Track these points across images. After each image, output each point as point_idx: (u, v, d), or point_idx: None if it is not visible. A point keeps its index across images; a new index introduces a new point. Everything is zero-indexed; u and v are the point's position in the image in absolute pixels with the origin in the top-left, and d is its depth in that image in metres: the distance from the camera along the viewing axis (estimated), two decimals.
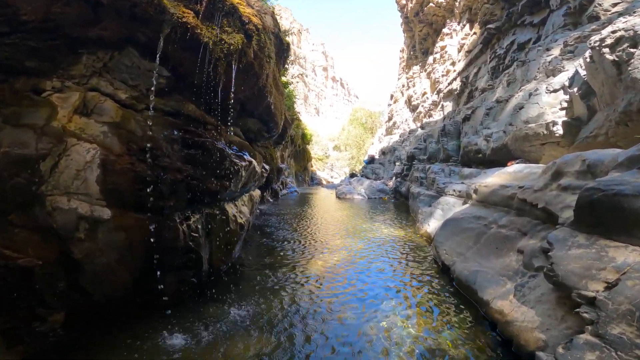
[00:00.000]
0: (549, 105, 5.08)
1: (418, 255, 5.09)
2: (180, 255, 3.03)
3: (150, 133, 2.74)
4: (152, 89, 2.78)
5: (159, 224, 2.78)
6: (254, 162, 4.50)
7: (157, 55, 2.69)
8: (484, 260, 3.33)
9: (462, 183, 6.02)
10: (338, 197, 15.83)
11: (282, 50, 5.86)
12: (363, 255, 5.23)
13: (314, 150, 49.39)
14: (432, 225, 5.97)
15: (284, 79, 12.80)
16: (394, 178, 15.67)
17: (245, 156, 4.18)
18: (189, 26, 2.79)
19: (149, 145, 2.71)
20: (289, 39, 6.36)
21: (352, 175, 23.43)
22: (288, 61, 9.02)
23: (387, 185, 16.43)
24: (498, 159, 5.79)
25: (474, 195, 4.75)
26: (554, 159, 3.26)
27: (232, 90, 3.45)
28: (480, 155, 6.21)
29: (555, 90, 5.04)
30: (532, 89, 5.38)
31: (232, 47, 3.20)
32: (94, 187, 2.48)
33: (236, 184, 3.98)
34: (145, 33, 2.70)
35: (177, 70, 3.06)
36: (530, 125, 5.22)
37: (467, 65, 14.16)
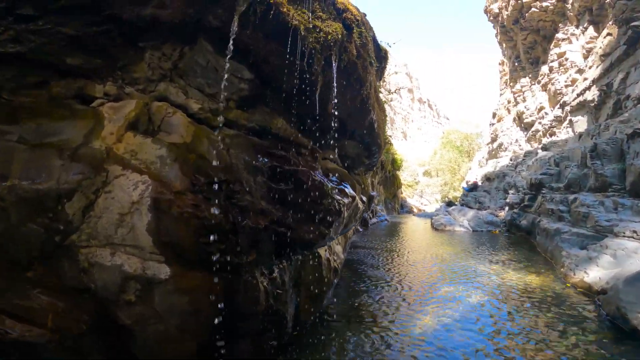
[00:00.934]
0: None
1: (579, 315, 3.54)
2: (259, 319, 2.35)
3: (228, 159, 2.08)
4: (234, 96, 2.24)
5: (233, 282, 2.13)
6: (357, 197, 3.68)
7: (230, 44, 2.02)
8: None
9: None
10: (435, 228, 14.00)
11: (380, 58, 5.14)
12: (489, 310, 3.86)
13: (403, 176, 47.19)
14: (593, 274, 4.29)
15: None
16: (506, 208, 13.15)
17: (347, 190, 3.40)
18: (271, 1, 2.10)
19: (223, 177, 2.01)
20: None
21: (450, 203, 21.00)
22: (386, 74, 8.27)
23: (496, 216, 13.92)
24: None
25: None
26: None
27: (334, 97, 2.75)
28: None
29: None
30: None
31: (330, 36, 2.51)
32: (145, 238, 1.86)
33: (337, 229, 3.15)
34: (216, 14, 2.03)
35: (261, 69, 2.41)
36: None
37: (606, 72, 11.51)
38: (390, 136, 18.30)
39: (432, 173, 51.32)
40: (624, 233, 4.28)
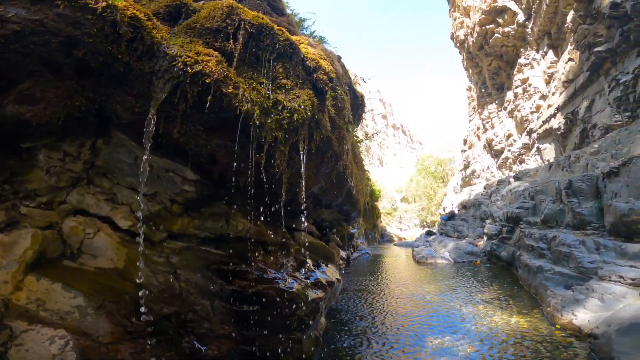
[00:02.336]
0: None
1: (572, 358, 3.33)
2: None
3: (177, 284, 1.65)
4: (178, 198, 1.82)
5: None
6: (334, 275, 3.31)
7: (147, 145, 1.52)
8: None
9: (633, 267, 4.11)
10: (417, 261, 13.76)
11: (357, 106, 4.95)
12: None
13: (382, 204, 47.42)
14: (582, 316, 4.19)
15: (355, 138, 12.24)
16: (484, 238, 13.20)
17: (323, 278, 3.03)
18: (208, 81, 1.62)
19: (169, 310, 1.60)
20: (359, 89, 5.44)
21: (429, 233, 20.99)
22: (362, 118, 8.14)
23: (476, 245, 13.92)
24: None
25: None
26: None
27: (304, 179, 2.27)
28: None
29: None
30: None
31: (296, 115, 2.00)
32: None
33: (313, 326, 2.74)
34: (124, 104, 1.55)
35: (208, 169, 1.94)
36: None
37: (571, 99, 11.73)
38: (367, 171, 18.32)
39: (410, 199, 52.08)
40: (610, 277, 4.22)
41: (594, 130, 9.71)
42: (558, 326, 4.44)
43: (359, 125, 7.79)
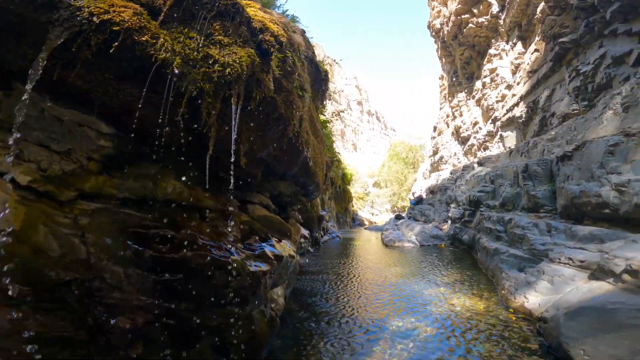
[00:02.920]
0: None
1: (525, 348, 3.47)
2: None
3: (84, 249, 1.48)
4: (95, 155, 1.62)
5: None
6: (287, 250, 3.18)
7: (29, 87, 1.37)
8: None
9: (582, 249, 4.28)
10: (385, 244, 14.08)
11: (320, 80, 4.75)
12: (439, 347, 3.64)
13: (354, 188, 48.01)
14: (533, 300, 4.32)
15: (322, 117, 11.99)
16: (449, 222, 13.67)
17: (269, 251, 2.88)
18: (116, 28, 1.48)
19: (71, 276, 1.42)
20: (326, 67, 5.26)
21: (398, 217, 21.51)
22: (327, 95, 7.94)
23: (441, 229, 14.42)
24: None
25: (626, 277, 3.09)
26: None
27: (233, 148, 2.06)
28: (607, 210, 4.50)
29: None
30: None
31: (229, 69, 1.89)
32: None
33: (255, 301, 2.61)
34: (18, 49, 1.40)
35: (123, 121, 1.78)
36: None
37: (533, 88, 12.15)
38: (338, 153, 18.18)
39: (382, 184, 53.04)
40: (560, 259, 4.38)
41: (552, 118, 10.11)
42: (512, 310, 4.58)
43: (325, 102, 7.63)
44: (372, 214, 45.18)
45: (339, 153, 17.34)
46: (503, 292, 5.22)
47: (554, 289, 4.07)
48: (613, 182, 4.35)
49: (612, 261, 3.31)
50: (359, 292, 6.12)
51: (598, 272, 3.51)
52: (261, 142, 2.49)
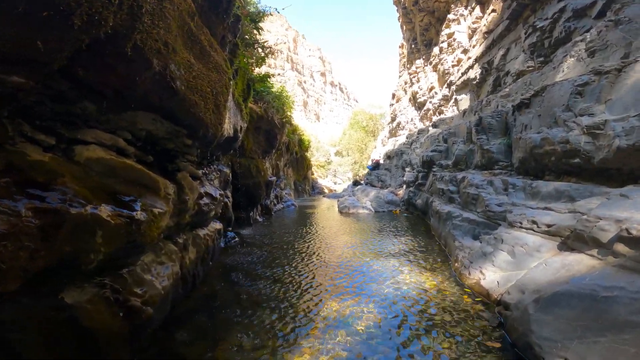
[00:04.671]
0: None
1: (481, 344, 2.63)
2: None
3: None
4: None
5: None
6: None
7: None
8: None
9: (548, 209, 3.51)
10: (340, 211, 13.42)
11: None
12: (379, 340, 2.81)
13: (315, 156, 47.24)
14: (490, 276, 3.58)
15: (259, 69, 10.43)
16: (404, 187, 13.20)
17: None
18: None
19: None
20: None
21: (356, 183, 21.00)
22: (248, 26, 6.32)
23: (396, 194, 13.96)
24: (624, 166, 3.23)
25: (622, 248, 2.27)
26: None
27: None
28: (576, 160, 3.70)
29: None
30: None
31: None
32: None
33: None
34: None
35: None
36: None
37: (488, 49, 11.57)
38: (292, 117, 16.81)
39: (343, 153, 52.85)
40: (521, 223, 3.63)
41: (507, 77, 9.61)
42: (467, 288, 3.89)
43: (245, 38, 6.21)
44: (335, 183, 44.98)
45: (291, 116, 15.92)
46: (456, 264, 4.52)
47: (515, 262, 3.33)
48: (584, 125, 3.56)
49: (595, 224, 2.51)
50: (299, 268, 5.28)
51: (573, 240, 2.75)
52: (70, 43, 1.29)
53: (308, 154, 31.82)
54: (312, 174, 37.59)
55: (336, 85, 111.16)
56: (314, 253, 6.31)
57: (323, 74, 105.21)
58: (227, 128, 4.23)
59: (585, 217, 2.70)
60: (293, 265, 5.50)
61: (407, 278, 4.53)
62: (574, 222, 2.91)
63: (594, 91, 3.66)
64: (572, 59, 5.01)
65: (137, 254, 2.82)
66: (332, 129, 78.82)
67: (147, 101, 2.65)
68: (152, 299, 2.85)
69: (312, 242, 7.47)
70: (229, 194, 8.47)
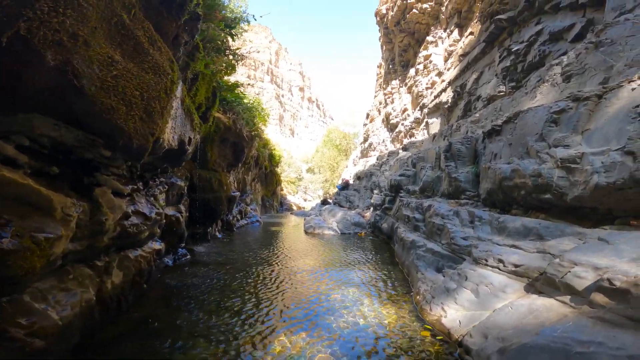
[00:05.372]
0: None
1: None
2: None
3: None
4: None
5: None
6: None
7: None
8: None
9: (515, 247, 3.21)
10: (305, 231, 12.92)
11: None
12: None
13: (287, 172, 46.70)
14: (452, 314, 3.21)
15: (231, 77, 9.91)
16: (371, 209, 12.95)
17: None
18: None
19: None
20: None
21: (324, 202, 20.62)
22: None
23: (363, 216, 13.67)
24: (600, 206, 2.96)
25: (600, 299, 1.94)
26: None
27: None
28: (548, 195, 3.42)
29: None
30: None
31: None
32: None
33: None
34: None
35: None
36: None
37: (462, 72, 11.71)
38: (262, 130, 16.30)
39: (315, 170, 52.75)
40: (487, 261, 3.30)
41: (477, 102, 9.65)
42: (428, 325, 3.50)
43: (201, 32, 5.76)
44: (305, 200, 44.43)
45: (261, 129, 15.39)
46: (418, 297, 4.13)
47: (479, 302, 2.96)
48: (559, 157, 3.30)
49: (570, 270, 2.21)
50: (250, 293, 4.75)
51: (543, 283, 2.44)
52: None
53: (278, 170, 31.23)
54: (282, 190, 36.84)
55: (313, 102, 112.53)
56: (270, 277, 5.73)
57: (302, 89, 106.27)
58: (169, 139, 3.65)
59: (557, 260, 2.39)
60: (244, 289, 4.93)
61: (366, 311, 4.12)
62: (544, 264, 2.62)
63: (571, 119, 3.45)
64: (547, 84, 4.91)
65: (11, 286, 2.18)
66: (306, 144, 79.00)
67: (42, 102, 2.08)
68: (43, 330, 2.36)
69: (270, 263, 6.87)
70: (183, 209, 7.76)
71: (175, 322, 3.61)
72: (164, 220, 4.81)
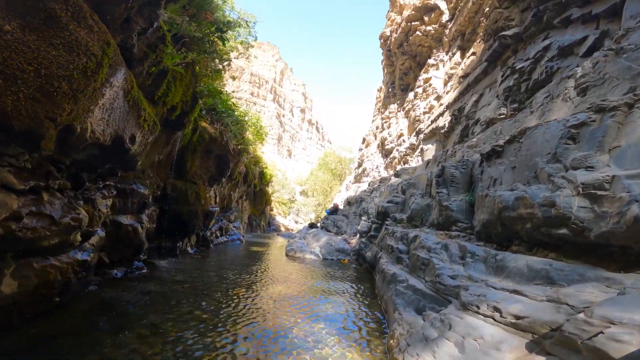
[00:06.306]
0: None
1: None
2: None
3: None
4: None
5: None
6: None
7: None
8: None
9: (517, 294, 2.53)
10: (286, 254, 12.15)
11: None
12: None
13: (280, 193, 46.04)
14: None
15: (224, 88, 9.46)
16: (357, 236, 12.24)
17: None
18: None
19: None
20: None
21: (312, 225, 19.84)
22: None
23: (349, 242, 12.92)
24: (635, 244, 2.23)
25: None
26: None
27: None
28: (563, 230, 2.69)
29: None
30: None
31: None
32: None
33: None
34: None
35: None
36: None
37: (461, 95, 11.21)
38: (261, 151, 15.83)
39: (309, 193, 52.22)
40: (478, 307, 2.60)
41: (476, 126, 9.08)
42: None
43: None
44: (296, 222, 43.44)
45: (256, 147, 14.90)
46: (392, 342, 3.41)
47: (463, 359, 2.27)
48: (579, 182, 2.62)
49: (602, 331, 1.56)
50: (199, 321, 4.06)
51: (555, 343, 1.78)
52: None
53: (269, 189, 30.53)
54: (272, 210, 35.95)
55: (313, 124, 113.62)
56: (228, 302, 4.98)
57: (303, 111, 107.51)
58: (97, 131, 3.07)
59: (582, 315, 1.74)
60: (193, 314, 4.23)
61: (330, 354, 3.40)
62: (558, 317, 1.97)
63: (594, 135, 2.85)
64: (557, 100, 4.34)
65: None
66: (302, 167, 78.75)
67: None
68: None
69: (236, 286, 6.10)
70: (145, 219, 7.06)
71: (82, 339, 3.08)
72: (98, 229, 4.11)
